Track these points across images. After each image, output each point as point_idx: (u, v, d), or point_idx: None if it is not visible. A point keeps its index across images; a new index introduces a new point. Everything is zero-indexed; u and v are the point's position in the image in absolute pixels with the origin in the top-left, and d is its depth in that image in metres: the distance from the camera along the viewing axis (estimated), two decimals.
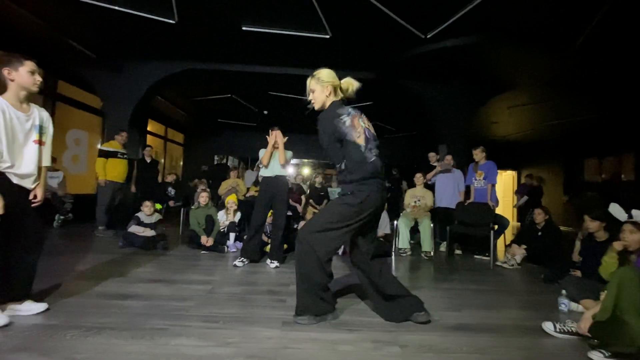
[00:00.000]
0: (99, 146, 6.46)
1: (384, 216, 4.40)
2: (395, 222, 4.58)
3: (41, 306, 1.97)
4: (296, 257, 2.01)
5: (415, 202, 4.73)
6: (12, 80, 1.84)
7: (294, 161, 12.12)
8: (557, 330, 1.96)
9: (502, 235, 4.66)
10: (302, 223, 4.69)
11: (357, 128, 1.94)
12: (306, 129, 9.90)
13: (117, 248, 3.92)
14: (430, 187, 5.01)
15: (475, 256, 4.41)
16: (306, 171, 12.09)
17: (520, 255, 3.96)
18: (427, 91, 6.43)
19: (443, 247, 4.68)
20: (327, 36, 4.66)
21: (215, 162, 9.54)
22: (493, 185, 4.40)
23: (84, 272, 2.88)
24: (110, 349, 1.58)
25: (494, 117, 8.40)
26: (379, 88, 6.72)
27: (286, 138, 3.56)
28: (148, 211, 4.26)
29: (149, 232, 4.09)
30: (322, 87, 2.07)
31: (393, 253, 4.29)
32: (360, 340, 1.81)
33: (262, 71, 6.04)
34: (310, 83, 2.11)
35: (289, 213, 6.05)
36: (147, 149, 5.92)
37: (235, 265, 3.36)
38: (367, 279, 2.16)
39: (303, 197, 6.15)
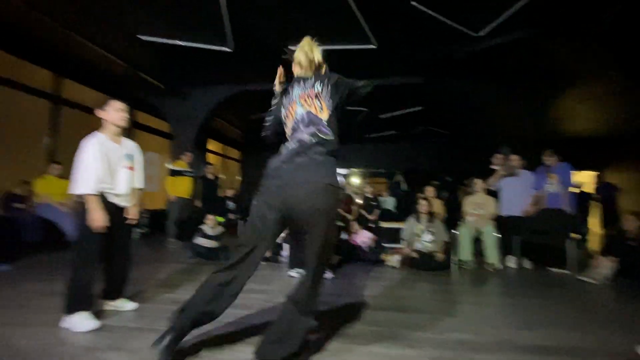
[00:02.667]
0: (167, 166, 7.19)
1: (439, 224, 4.19)
2: (455, 231, 4.31)
3: (133, 305, 2.37)
4: None
5: (474, 210, 4.41)
6: (105, 119, 2.24)
7: (343, 171, 12.11)
8: None
9: (584, 245, 4.12)
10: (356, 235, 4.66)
11: None
12: (358, 139, 9.96)
13: (187, 258, 4.29)
14: (493, 193, 4.60)
15: (551, 269, 3.95)
16: (356, 180, 11.99)
17: (608, 269, 3.45)
18: (483, 92, 6.05)
19: (511, 262, 4.19)
20: (374, 47, 4.67)
21: None
22: (569, 189, 3.95)
23: (160, 280, 3.19)
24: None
25: (563, 113, 7.56)
26: (429, 92, 6.50)
27: None
28: (211, 224, 4.59)
29: (213, 244, 4.41)
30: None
31: (453, 265, 4.03)
32: (421, 356, 1.73)
33: None
34: (320, 54, 1.85)
35: (340, 224, 6.04)
36: (209, 166, 6.42)
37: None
38: None
39: (354, 207, 6.10)
